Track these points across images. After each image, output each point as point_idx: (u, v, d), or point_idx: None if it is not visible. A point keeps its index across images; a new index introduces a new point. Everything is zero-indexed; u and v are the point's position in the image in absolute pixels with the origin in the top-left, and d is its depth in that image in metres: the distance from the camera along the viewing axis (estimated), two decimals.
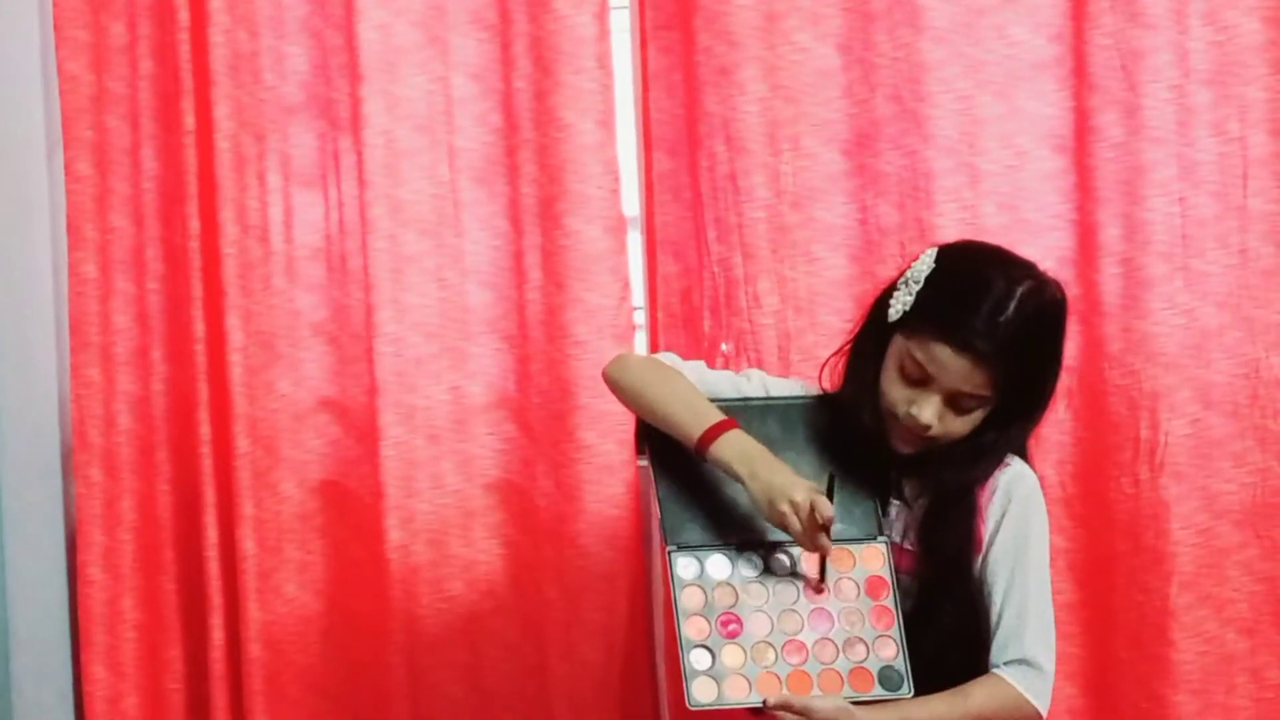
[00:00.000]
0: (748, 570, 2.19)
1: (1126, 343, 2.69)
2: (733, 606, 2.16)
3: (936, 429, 2.17)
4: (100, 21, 2.86)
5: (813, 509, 2.10)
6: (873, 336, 2.25)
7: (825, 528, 2.12)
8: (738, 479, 2.15)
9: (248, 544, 2.83)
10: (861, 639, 2.17)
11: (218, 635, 2.85)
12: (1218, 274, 2.67)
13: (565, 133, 2.77)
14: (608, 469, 2.79)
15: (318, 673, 2.92)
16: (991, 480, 2.23)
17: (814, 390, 2.35)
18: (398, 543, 2.83)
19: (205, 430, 2.84)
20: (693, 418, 2.21)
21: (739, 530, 2.20)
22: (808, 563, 2.19)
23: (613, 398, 2.76)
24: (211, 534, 2.85)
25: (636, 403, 2.30)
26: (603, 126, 2.78)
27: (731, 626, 2.15)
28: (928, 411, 2.16)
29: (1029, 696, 2.17)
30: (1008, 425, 2.21)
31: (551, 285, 2.80)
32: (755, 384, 2.35)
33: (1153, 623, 2.68)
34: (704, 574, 2.18)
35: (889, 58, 2.72)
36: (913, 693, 2.15)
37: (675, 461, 2.23)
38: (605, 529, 2.80)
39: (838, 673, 2.15)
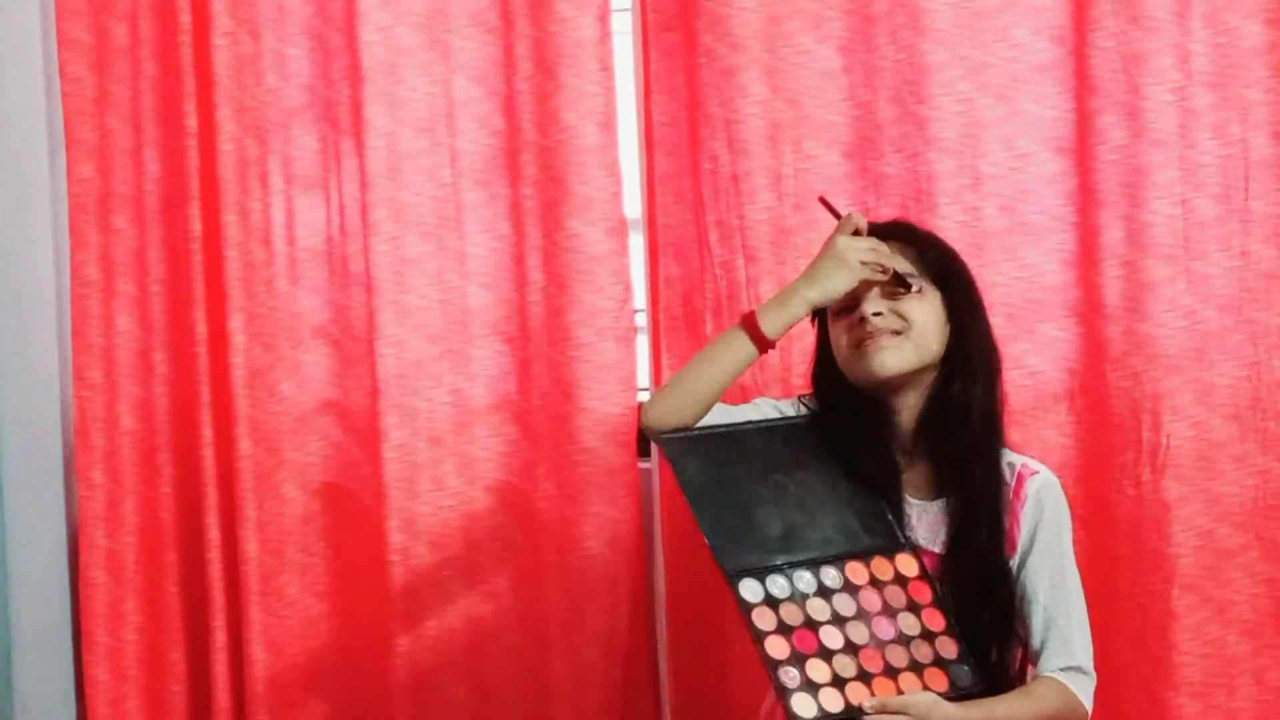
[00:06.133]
0: (804, 587, 2.23)
1: (1128, 345, 2.69)
2: (803, 623, 2.20)
3: (890, 318, 2.26)
4: (102, 23, 2.86)
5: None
6: (824, 352, 2.38)
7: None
8: (808, 304, 2.29)
9: (250, 546, 2.83)
10: (924, 639, 2.23)
11: (220, 637, 2.86)
12: (1219, 276, 2.67)
13: (567, 135, 2.77)
14: (610, 471, 2.79)
15: (320, 675, 2.92)
16: (1023, 487, 2.30)
17: (812, 406, 2.42)
18: (399, 545, 2.83)
19: (207, 432, 2.84)
20: (724, 339, 2.33)
21: (783, 550, 2.25)
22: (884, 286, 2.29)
23: (615, 400, 2.79)
24: (214, 536, 2.86)
25: (674, 401, 2.34)
26: (604, 129, 2.78)
27: (808, 642, 2.18)
28: (869, 303, 2.27)
29: (1083, 699, 2.25)
30: (968, 338, 2.29)
31: (553, 287, 2.81)
32: (763, 405, 2.44)
33: (1154, 625, 2.68)
34: (768, 595, 2.21)
35: (891, 60, 2.72)
36: (982, 684, 2.21)
37: (706, 489, 2.27)
38: (607, 531, 2.80)
39: (913, 674, 2.20)
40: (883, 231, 2.35)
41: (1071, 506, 2.70)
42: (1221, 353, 2.68)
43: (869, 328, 2.26)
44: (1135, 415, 2.68)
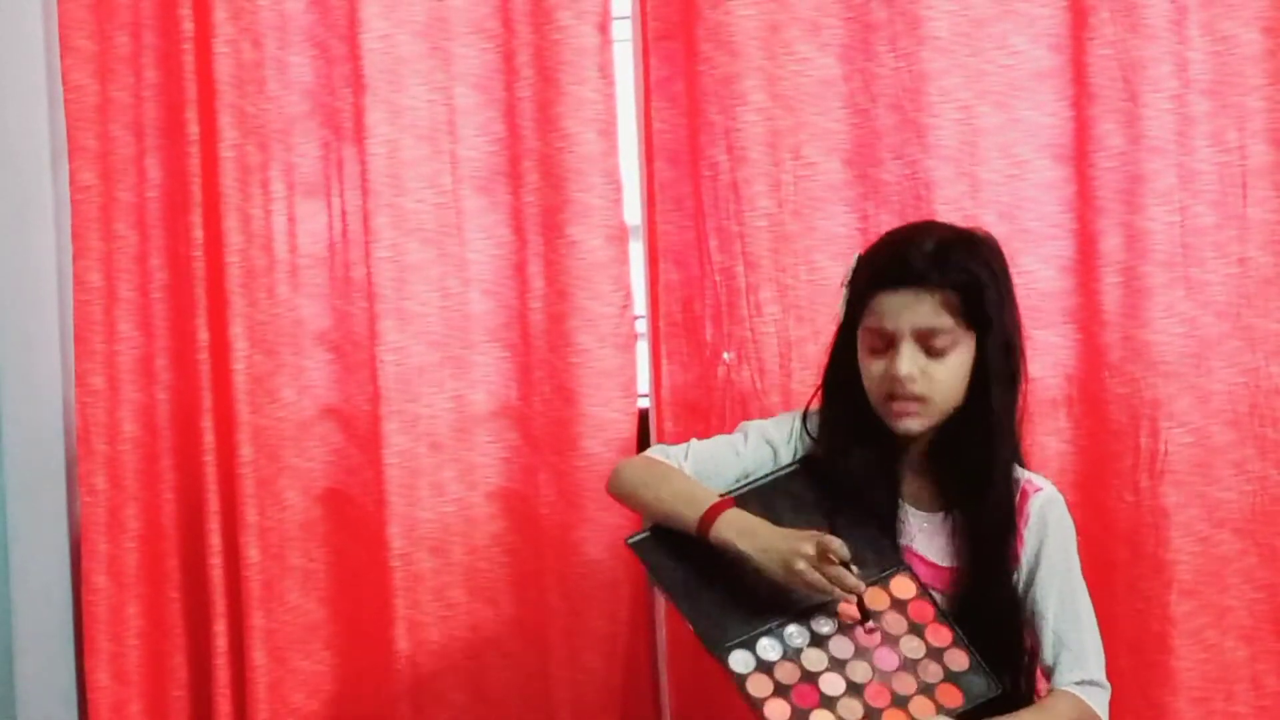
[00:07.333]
0: (798, 642, 2.20)
1: (1126, 351, 2.70)
2: (801, 679, 2.17)
3: (921, 382, 2.20)
4: (105, 31, 2.86)
5: (826, 553, 2.15)
6: (841, 357, 2.31)
7: (846, 565, 2.15)
8: (743, 555, 2.19)
9: (251, 552, 2.84)
10: (931, 659, 2.19)
11: (221, 643, 2.86)
12: (1217, 283, 2.68)
13: (567, 142, 2.78)
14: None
15: (321, 680, 2.92)
16: (1026, 505, 2.29)
17: (813, 413, 2.38)
18: (400, 551, 2.83)
19: (209, 438, 2.84)
20: (688, 506, 2.25)
21: (772, 612, 2.21)
22: (846, 611, 2.21)
23: (615, 406, 2.80)
24: (215, 542, 2.86)
25: (634, 505, 2.36)
26: (605, 136, 2.79)
27: (808, 696, 2.16)
28: (904, 362, 2.20)
29: (1099, 712, 2.26)
30: (991, 380, 2.22)
31: (554, 294, 2.81)
32: (753, 437, 2.39)
33: (1153, 630, 2.69)
34: (760, 661, 2.18)
35: (890, 68, 2.73)
36: (1001, 689, 2.19)
37: (685, 577, 2.25)
38: (607, 537, 2.80)
39: (924, 697, 2.17)
40: (923, 272, 2.19)
41: (1070, 513, 2.72)
42: (1219, 359, 2.69)
43: (900, 389, 2.20)
44: (1134, 421, 2.69)
